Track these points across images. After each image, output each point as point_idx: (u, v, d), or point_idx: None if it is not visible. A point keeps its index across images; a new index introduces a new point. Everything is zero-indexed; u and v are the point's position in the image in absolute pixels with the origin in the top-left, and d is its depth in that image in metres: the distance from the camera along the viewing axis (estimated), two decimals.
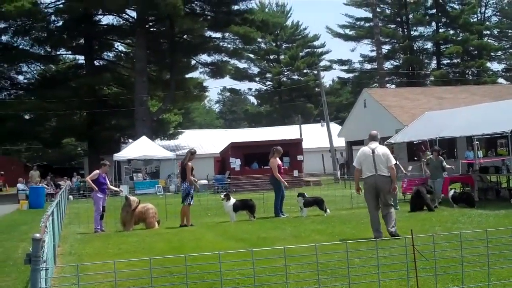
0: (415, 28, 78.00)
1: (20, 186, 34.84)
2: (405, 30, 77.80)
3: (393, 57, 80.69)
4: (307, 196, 17.78)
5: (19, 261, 11.30)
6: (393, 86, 77.81)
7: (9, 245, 14.50)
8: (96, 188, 16.35)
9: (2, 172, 53.99)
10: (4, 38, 52.94)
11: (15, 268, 10.77)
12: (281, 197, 17.89)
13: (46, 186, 34.65)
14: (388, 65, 79.97)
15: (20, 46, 53.32)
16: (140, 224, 16.61)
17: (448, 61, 79.82)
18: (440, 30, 76.80)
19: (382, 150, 11.81)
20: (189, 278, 7.21)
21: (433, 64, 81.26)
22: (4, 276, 10.09)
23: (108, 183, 17.04)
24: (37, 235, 4.93)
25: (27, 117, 51.25)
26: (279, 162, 18.28)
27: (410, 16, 76.75)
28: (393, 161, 11.85)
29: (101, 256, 11.46)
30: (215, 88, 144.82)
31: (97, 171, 16.78)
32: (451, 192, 18.15)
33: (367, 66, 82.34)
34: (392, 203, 12.10)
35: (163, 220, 17.51)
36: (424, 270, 6.74)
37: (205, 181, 38.17)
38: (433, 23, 76.77)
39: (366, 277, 7.58)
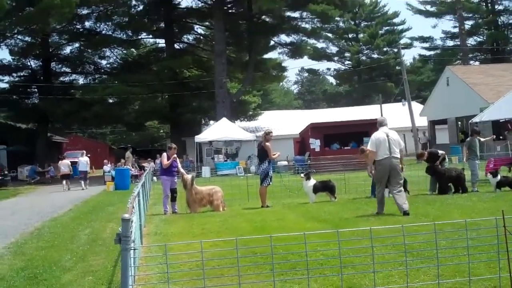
0: (499, 2, 75.10)
1: (106, 168, 35.89)
2: (489, 4, 74.98)
3: (476, 33, 78.05)
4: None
5: (107, 241, 11.67)
6: (477, 63, 75.29)
7: (98, 225, 14.96)
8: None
9: (89, 155, 55.96)
10: (87, 23, 54.72)
11: (104, 247, 11.12)
12: None
13: (131, 168, 35.52)
14: (471, 41, 77.62)
15: (103, 32, 54.85)
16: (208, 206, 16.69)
17: None
18: None
19: (395, 135, 13.27)
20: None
21: None
22: (95, 255, 10.42)
23: (179, 166, 17.26)
24: (126, 215, 5.05)
25: (111, 100, 52.52)
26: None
27: None
28: (403, 144, 13.51)
29: (186, 236, 11.66)
30: (293, 68, 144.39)
31: (164, 154, 17.10)
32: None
33: (450, 42, 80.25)
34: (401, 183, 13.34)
35: (245, 201, 17.64)
36: None
37: (285, 162, 38.25)
38: None
39: (453, 259, 7.41)
